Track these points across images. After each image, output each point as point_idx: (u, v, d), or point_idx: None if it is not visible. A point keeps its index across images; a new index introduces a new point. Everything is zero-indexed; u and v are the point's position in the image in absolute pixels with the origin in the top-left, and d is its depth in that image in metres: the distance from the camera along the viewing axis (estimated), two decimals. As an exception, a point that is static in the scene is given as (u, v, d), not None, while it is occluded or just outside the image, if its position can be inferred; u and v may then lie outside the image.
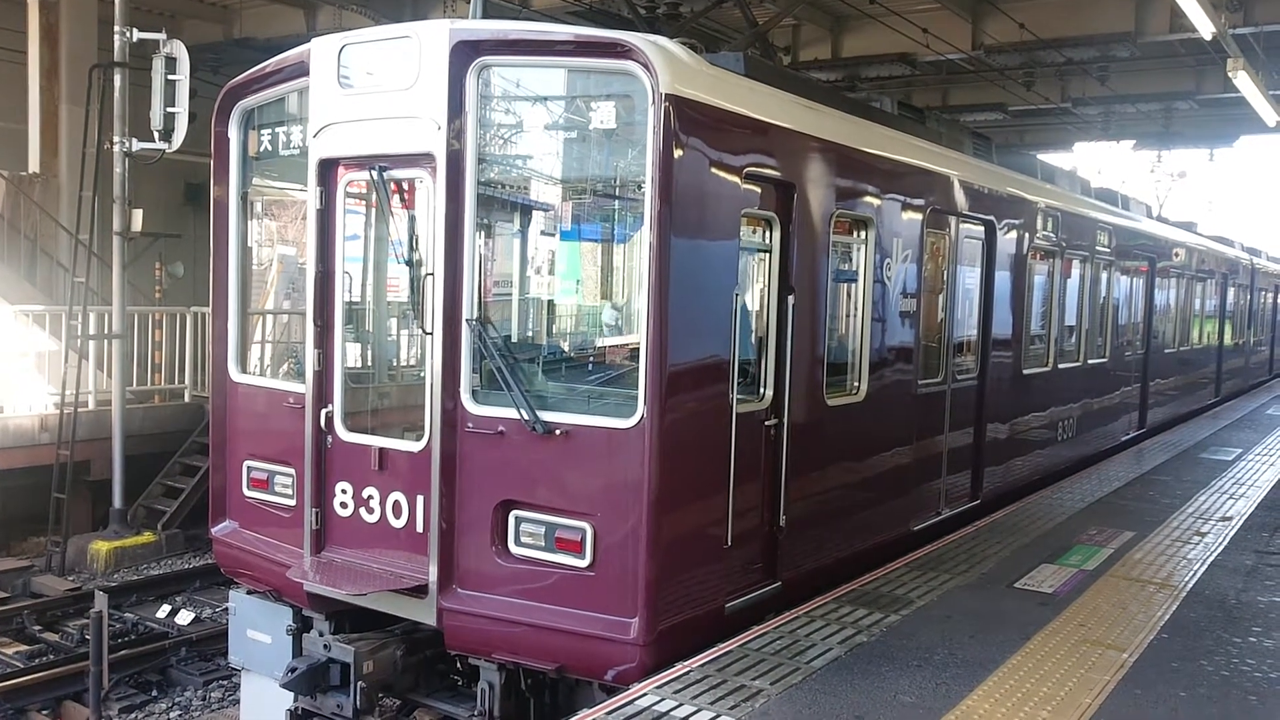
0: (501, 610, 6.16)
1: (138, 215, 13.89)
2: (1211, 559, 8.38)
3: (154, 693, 9.84)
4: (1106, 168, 30.23)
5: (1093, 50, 18.48)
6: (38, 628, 10.92)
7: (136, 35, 13.36)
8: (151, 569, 13.17)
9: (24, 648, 10.45)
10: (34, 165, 17.65)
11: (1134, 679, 5.74)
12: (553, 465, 6.06)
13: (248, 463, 7.53)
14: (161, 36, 13.10)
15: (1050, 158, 20.67)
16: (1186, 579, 7.78)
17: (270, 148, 7.58)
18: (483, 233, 6.50)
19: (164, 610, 11.56)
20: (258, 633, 7.28)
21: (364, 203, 7.09)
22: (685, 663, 5.78)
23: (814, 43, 20.80)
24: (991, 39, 18.62)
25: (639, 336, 5.91)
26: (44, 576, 12.39)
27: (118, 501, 13.54)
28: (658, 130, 5.71)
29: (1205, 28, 12.35)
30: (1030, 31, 17.55)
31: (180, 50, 13.05)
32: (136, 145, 13.50)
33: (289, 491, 7.20)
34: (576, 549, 5.97)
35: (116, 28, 13.47)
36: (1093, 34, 17.99)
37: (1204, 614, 6.96)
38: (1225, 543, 8.93)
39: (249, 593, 7.44)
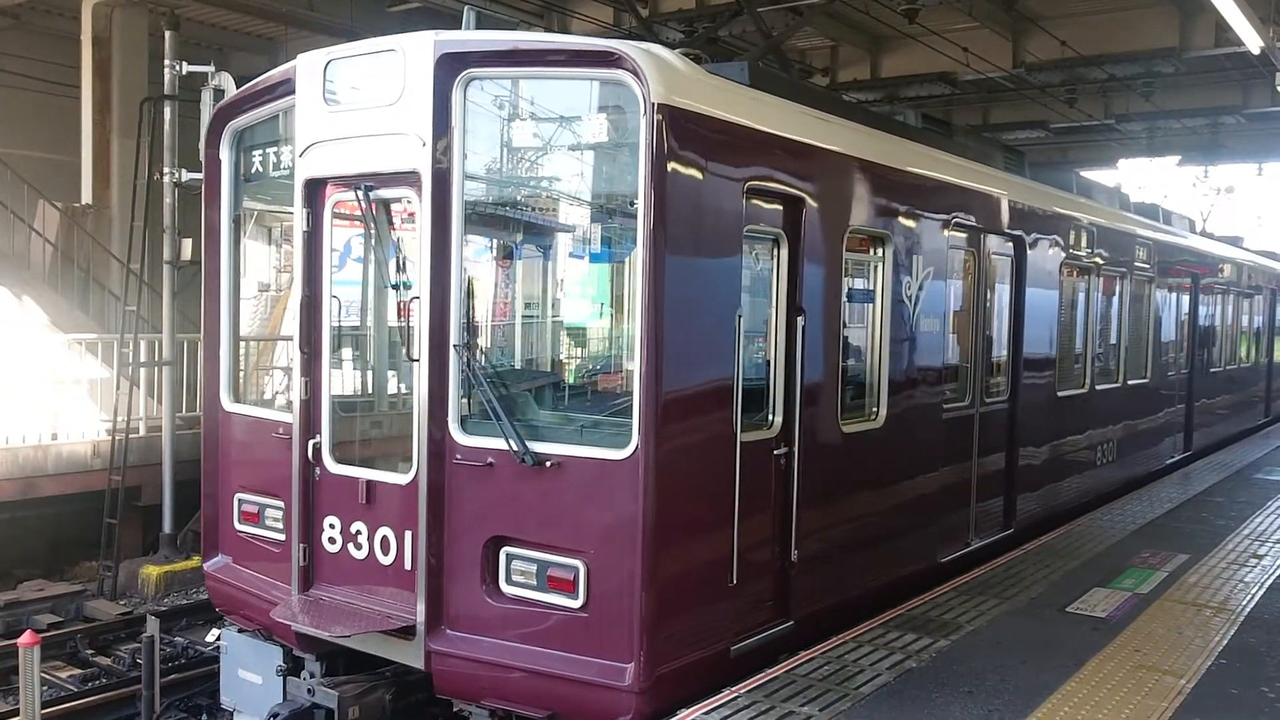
0: (492, 653, 5.86)
1: (187, 244, 14.11)
2: (1270, 582, 8.19)
3: (204, 717, 9.89)
4: (1147, 183, 29.78)
5: (1136, 66, 18.33)
6: (90, 651, 11.05)
7: (186, 69, 13.65)
8: (200, 593, 13.27)
9: (77, 671, 10.58)
10: (87, 197, 18.05)
11: (1192, 706, 5.62)
12: (544, 499, 5.76)
13: (239, 495, 7.28)
14: (210, 69, 13.36)
15: (1094, 174, 20.47)
16: (1244, 603, 7.61)
17: (261, 169, 7.34)
18: (471, 254, 6.23)
19: (213, 634, 11.64)
20: (248, 673, 6.99)
21: (362, 224, 6.76)
22: (732, 689, 5.74)
23: (853, 63, 20.81)
24: (1033, 56, 18.51)
25: (634, 361, 5.59)
26: (96, 601, 12.55)
27: (167, 526, 13.71)
28: (649, 142, 5.42)
29: (1253, 42, 12.18)
30: (1072, 48, 17.44)
31: (228, 82, 13.29)
32: (186, 176, 13.75)
33: (280, 525, 6.93)
34: (569, 588, 5.66)
35: (166, 62, 13.77)
36: (1136, 50, 17.84)
37: (1264, 639, 6.80)
38: (1283, 565, 8.74)
39: (239, 631, 7.16)
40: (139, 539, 14.18)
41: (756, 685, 5.80)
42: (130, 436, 13.64)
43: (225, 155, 7.44)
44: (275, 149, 7.19)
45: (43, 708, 8.78)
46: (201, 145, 7.50)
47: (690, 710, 5.49)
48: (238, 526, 7.31)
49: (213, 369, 7.54)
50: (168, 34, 13.88)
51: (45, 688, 9.62)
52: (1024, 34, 18.50)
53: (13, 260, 17.04)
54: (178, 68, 13.71)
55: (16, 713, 7.58)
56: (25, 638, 7.24)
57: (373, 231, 6.50)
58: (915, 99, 20.48)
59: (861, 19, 18.10)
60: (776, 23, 16.04)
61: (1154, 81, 20.05)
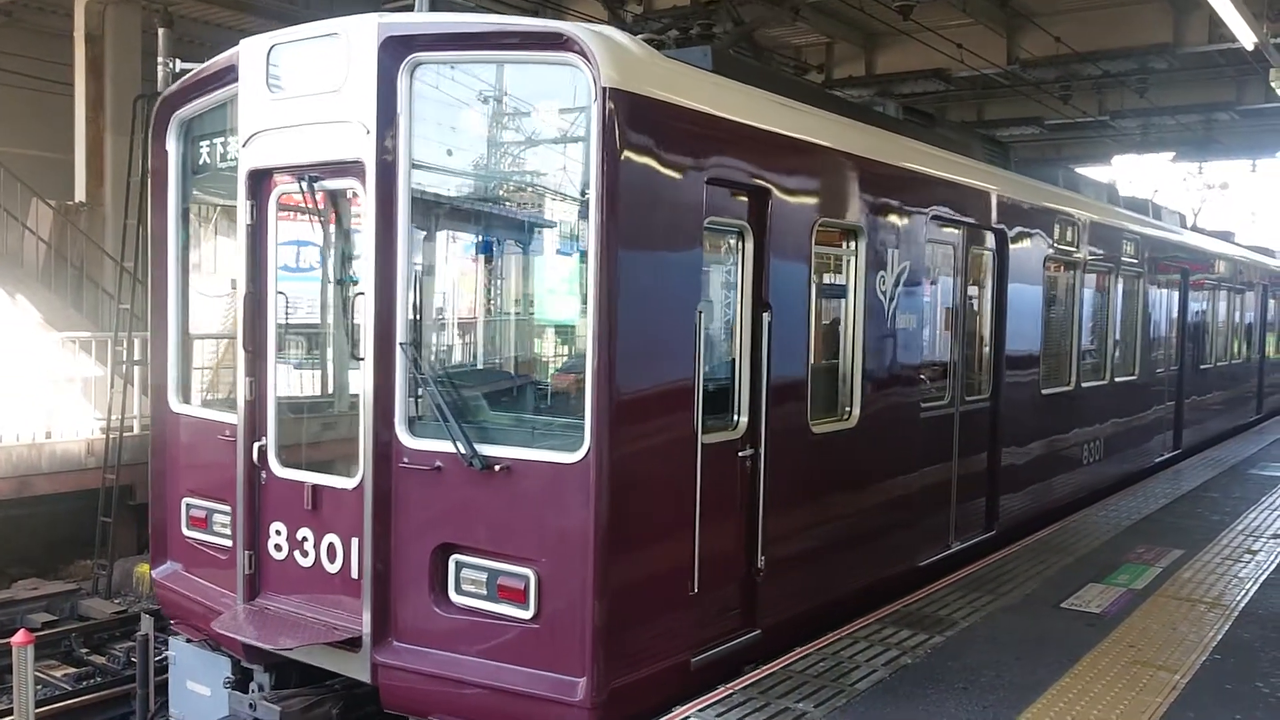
0: (440, 666, 5.61)
1: (181, 242, 14.10)
2: (1264, 577, 8.21)
3: (199, 715, 9.91)
4: (1137, 179, 29.78)
5: (1130, 62, 18.38)
6: (85, 650, 11.03)
7: (179, 65, 13.59)
8: (195, 592, 13.28)
9: (72, 670, 10.57)
10: (80, 194, 18.00)
11: (1187, 702, 5.63)
12: (494, 504, 5.52)
13: (186, 499, 7.06)
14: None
15: (1088, 170, 20.50)
16: (1239, 598, 7.63)
17: (209, 160, 7.09)
18: (419, 247, 6.00)
19: (208, 633, 11.65)
20: (197, 684, 6.75)
21: (318, 217, 6.48)
22: (728, 685, 5.75)
23: (847, 60, 20.87)
24: (1027, 53, 18.56)
25: (586, 360, 5.32)
26: (91, 599, 12.53)
27: (162, 525, 13.70)
28: (600, 128, 5.16)
29: (1247, 38, 12.21)
30: (1066, 45, 17.47)
31: (222, 79, 13.27)
32: (179, 173, 13.72)
33: (227, 531, 6.65)
34: (519, 598, 5.40)
35: (160, 59, 13.74)
36: (1130, 46, 17.89)
37: (1258, 634, 6.81)
38: (1278, 560, 8.75)
39: (188, 641, 6.95)
40: (133, 537, 14.13)
41: (752, 681, 5.80)
42: (124, 435, 13.62)
43: (172, 146, 7.21)
44: (223, 139, 6.93)
45: (37, 707, 8.77)
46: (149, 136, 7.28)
47: (686, 707, 5.48)
48: (186, 532, 7.09)
49: (160, 368, 7.28)
50: (161, 31, 13.83)
51: (39, 687, 9.59)
52: (1018, 30, 18.53)
53: (6, 258, 17.01)
54: (171, 65, 13.64)
55: (10, 712, 7.57)
56: (19, 637, 7.24)
57: (323, 224, 6.28)
58: (909, 95, 20.53)
59: (856, 15, 18.10)
60: (760, 14, 16.05)
61: (1148, 78, 20.10)
